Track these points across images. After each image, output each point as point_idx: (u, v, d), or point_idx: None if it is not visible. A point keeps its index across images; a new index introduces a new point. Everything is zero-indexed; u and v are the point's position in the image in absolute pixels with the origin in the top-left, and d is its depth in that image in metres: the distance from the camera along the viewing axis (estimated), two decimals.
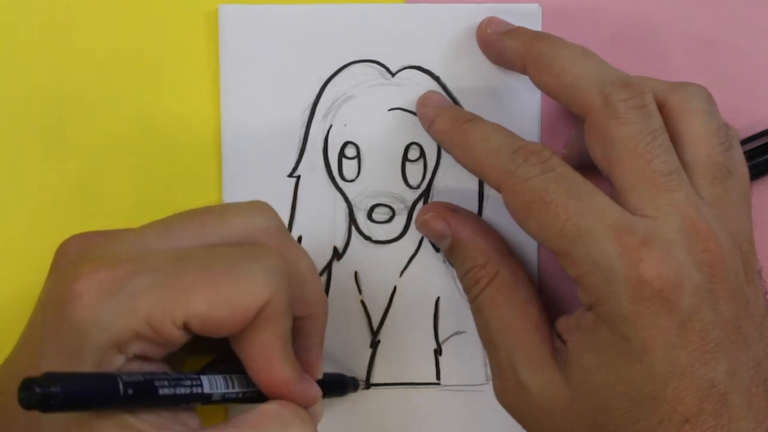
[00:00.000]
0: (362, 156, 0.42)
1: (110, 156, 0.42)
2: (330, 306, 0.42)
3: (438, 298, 0.43)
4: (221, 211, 0.34)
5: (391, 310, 0.42)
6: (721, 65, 0.42)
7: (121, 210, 0.42)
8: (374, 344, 0.42)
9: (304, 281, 0.35)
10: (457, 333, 0.43)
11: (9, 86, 0.42)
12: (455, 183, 0.42)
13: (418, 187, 0.42)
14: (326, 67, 0.42)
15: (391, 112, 0.42)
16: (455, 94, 0.42)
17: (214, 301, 0.31)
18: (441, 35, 0.42)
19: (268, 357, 0.33)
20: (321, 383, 0.37)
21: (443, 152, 0.42)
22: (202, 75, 0.42)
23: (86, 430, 0.30)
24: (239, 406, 0.35)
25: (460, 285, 0.42)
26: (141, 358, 0.32)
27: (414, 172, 0.42)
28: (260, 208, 0.35)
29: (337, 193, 0.42)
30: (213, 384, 0.33)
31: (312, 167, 0.42)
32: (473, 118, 0.39)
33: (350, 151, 0.42)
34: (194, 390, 0.32)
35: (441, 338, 0.43)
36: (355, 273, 0.42)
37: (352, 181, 0.42)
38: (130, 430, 0.30)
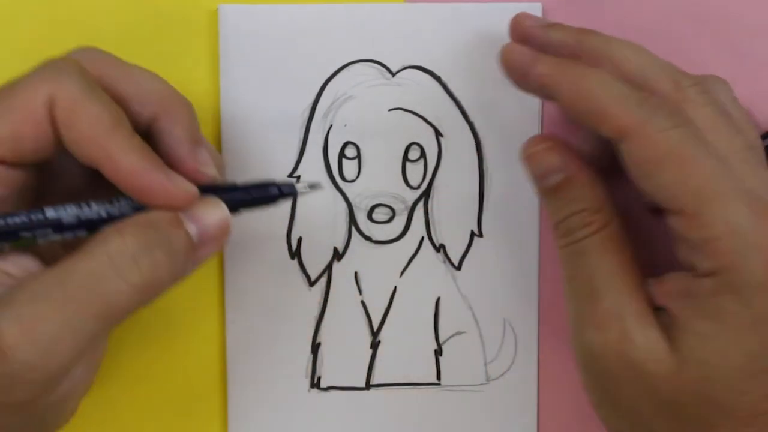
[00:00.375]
0: (362, 156, 0.42)
1: None
2: (330, 306, 0.42)
3: (438, 298, 0.42)
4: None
5: (392, 310, 0.42)
6: (722, 65, 0.42)
7: None
8: (374, 345, 0.42)
9: (137, 82, 0.35)
10: (457, 333, 0.43)
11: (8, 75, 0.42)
12: (456, 183, 0.42)
13: (419, 187, 0.42)
14: (326, 67, 0.42)
15: (391, 112, 0.42)
16: (456, 93, 0.42)
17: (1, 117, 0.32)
18: (442, 35, 0.42)
19: (102, 148, 0.33)
20: (229, 194, 0.35)
21: (444, 152, 0.42)
22: (202, 75, 0.42)
23: None
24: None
25: (460, 285, 0.42)
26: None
27: (414, 172, 0.42)
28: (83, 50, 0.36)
29: (337, 194, 0.42)
30: (61, 210, 0.33)
31: (312, 167, 0.42)
32: (578, 61, 0.37)
33: (350, 152, 0.42)
34: (34, 217, 0.32)
35: (441, 338, 0.43)
36: (355, 273, 0.42)
37: (352, 181, 0.42)
38: None
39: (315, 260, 0.42)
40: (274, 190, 0.36)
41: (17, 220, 0.32)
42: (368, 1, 0.42)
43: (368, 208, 0.42)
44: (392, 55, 0.42)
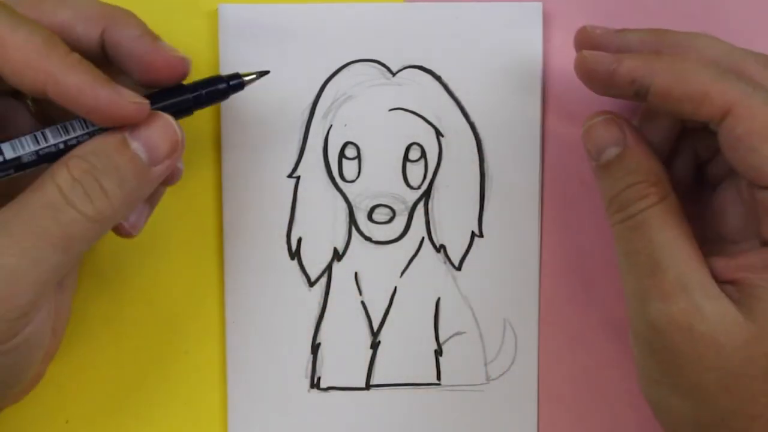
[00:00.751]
0: (362, 156, 0.42)
1: None
2: (330, 307, 0.42)
3: (438, 298, 0.42)
4: None
5: (392, 310, 0.42)
6: None
7: None
8: (375, 345, 0.42)
9: (63, 2, 0.35)
10: (457, 333, 0.43)
11: None
12: (457, 183, 0.42)
13: (419, 187, 0.42)
14: (326, 67, 0.42)
15: (391, 112, 0.42)
16: (456, 93, 0.42)
17: None
18: (442, 34, 0.42)
19: (40, 70, 0.32)
20: (179, 97, 0.35)
21: (444, 152, 0.42)
22: (202, 75, 0.42)
23: None
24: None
25: (460, 285, 0.42)
26: None
27: (415, 172, 0.42)
28: None
29: (337, 194, 0.42)
30: (18, 146, 0.33)
31: (312, 168, 0.42)
32: (660, 51, 0.37)
33: (350, 152, 0.42)
34: None
35: (441, 339, 0.42)
36: (356, 274, 0.42)
37: (352, 181, 0.42)
38: None
39: (315, 260, 0.42)
40: (222, 84, 0.36)
41: None
42: (368, 1, 0.41)
43: (368, 209, 0.42)
44: (392, 55, 0.42)
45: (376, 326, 0.42)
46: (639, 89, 0.36)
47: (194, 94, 0.36)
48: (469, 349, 0.43)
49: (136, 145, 0.34)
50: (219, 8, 0.41)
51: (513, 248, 0.42)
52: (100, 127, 0.34)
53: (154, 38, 0.35)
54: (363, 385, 0.42)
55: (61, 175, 0.33)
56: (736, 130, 0.34)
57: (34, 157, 0.34)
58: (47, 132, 0.34)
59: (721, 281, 0.35)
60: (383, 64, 0.42)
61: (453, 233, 0.42)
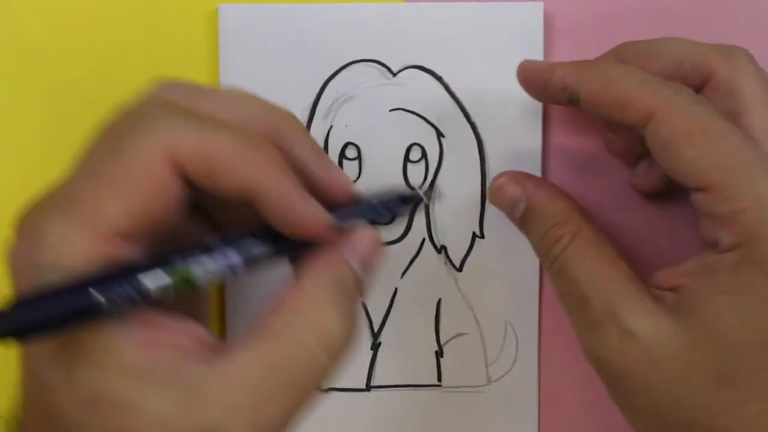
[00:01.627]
0: (363, 157, 0.42)
1: None
2: None
3: (439, 299, 0.42)
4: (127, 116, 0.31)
5: (392, 312, 0.42)
6: None
7: None
8: (375, 346, 0.42)
9: (220, 100, 0.31)
10: (458, 335, 0.42)
11: (8, 86, 0.42)
12: (458, 184, 0.42)
13: (420, 188, 0.42)
14: (326, 67, 0.41)
15: (392, 112, 0.42)
16: (457, 93, 0.42)
17: (116, 192, 0.28)
18: (443, 34, 0.41)
19: (249, 179, 0.29)
20: (359, 211, 0.32)
21: (445, 153, 0.42)
22: (202, 75, 0.42)
23: (64, 365, 0.28)
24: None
25: (461, 287, 0.42)
26: None
27: (416, 173, 0.42)
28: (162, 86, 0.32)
29: None
30: (220, 255, 0.29)
31: None
32: (593, 59, 0.38)
33: (351, 152, 0.42)
34: (195, 266, 0.28)
35: (442, 340, 0.42)
36: None
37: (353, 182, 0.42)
38: (119, 370, 0.28)
39: None
40: (407, 204, 0.34)
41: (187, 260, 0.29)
42: (368, 1, 0.41)
43: None
44: (393, 55, 0.41)
45: (376, 327, 0.42)
46: (571, 96, 0.37)
47: (388, 212, 0.33)
48: (470, 350, 0.42)
49: (353, 262, 0.32)
50: (219, 8, 0.41)
51: (514, 249, 0.42)
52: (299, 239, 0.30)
53: (322, 153, 0.33)
54: (363, 386, 0.42)
55: (315, 318, 0.30)
56: (659, 135, 0.34)
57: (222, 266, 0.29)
58: (230, 250, 0.29)
59: (665, 290, 0.35)
60: (384, 65, 0.41)
61: (454, 234, 0.42)
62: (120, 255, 0.28)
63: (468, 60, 0.41)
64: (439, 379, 0.42)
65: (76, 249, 0.28)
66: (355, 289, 0.32)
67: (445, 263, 0.42)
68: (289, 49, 0.41)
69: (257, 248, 0.29)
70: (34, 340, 0.27)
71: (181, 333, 0.29)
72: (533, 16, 0.41)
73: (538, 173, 0.42)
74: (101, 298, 0.27)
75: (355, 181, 0.42)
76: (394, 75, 0.42)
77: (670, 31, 0.41)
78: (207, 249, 0.29)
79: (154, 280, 0.27)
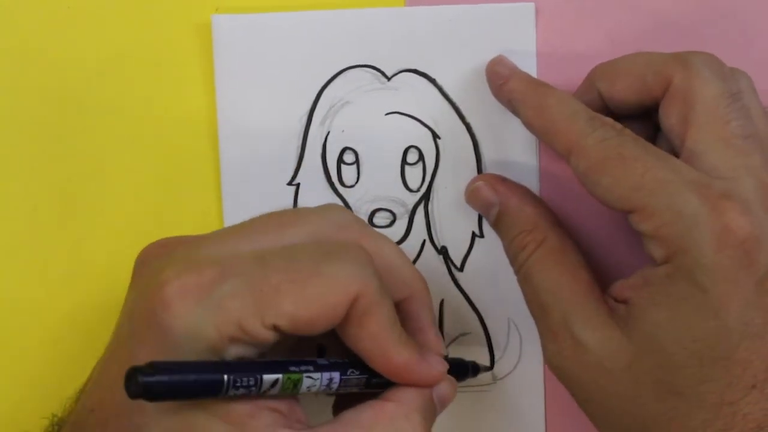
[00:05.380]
0: (361, 161, 0.42)
1: (109, 167, 0.42)
2: None
3: (442, 300, 0.42)
4: (296, 211, 0.35)
5: None
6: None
7: (119, 219, 0.42)
8: None
9: (393, 265, 0.34)
10: (462, 335, 0.43)
11: (6, 87, 0.42)
12: (455, 185, 0.42)
13: (418, 190, 0.42)
14: (322, 74, 0.42)
15: (388, 116, 0.42)
16: (452, 95, 0.42)
17: (302, 301, 0.31)
18: (435, 37, 0.42)
19: (380, 346, 0.32)
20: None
21: (441, 154, 0.42)
22: (197, 85, 0.42)
23: (180, 422, 0.30)
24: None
25: (463, 286, 0.42)
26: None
27: (413, 175, 0.42)
28: (333, 206, 0.36)
29: (338, 199, 0.42)
30: (326, 375, 0.33)
31: (311, 174, 0.42)
32: (547, 84, 0.39)
33: (349, 157, 0.42)
34: (306, 379, 0.32)
35: (446, 340, 0.42)
36: None
37: (351, 186, 0.42)
38: (225, 420, 0.30)
39: None
40: (473, 372, 0.40)
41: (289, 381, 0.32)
42: (368, 6, 0.42)
43: (369, 213, 0.42)
44: (387, 60, 0.42)
45: None
46: (514, 111, 0.39)
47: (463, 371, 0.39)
48: (475, 349, 0.43)
49: (436, 398, 0.35)
50: (212, 19, 0.41)
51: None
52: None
53: (435, 320, 0.37)
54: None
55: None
56: (579, 167, 0.36)
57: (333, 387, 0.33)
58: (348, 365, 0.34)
59: (619, 302, 0.36)
60: (378, 69, 0.42)
61: (454, 234, 0.42)
62: (263, 340, 0.31)
63: (461, 62, 0.42)
64: None
65: (246, 325, 0.30)
66: (433, 416, 0.35)
67: (447, 263, 0.42)
68: (284, 57, 0.42)
69: (354, 375, 0.33)
70: (160, 401, 0.29)
71: (282, 403, 0.32)
72: (525, 17, 0.42)
73: (533, 172, 0.42)
74: (229, 385, 0.30)
75: (354, 186, 0.42)
76: (389, 79, 0.42)
77: (664, 29, 0.42)
78: (320, 367, 0.32)
79: (270, 377, 0.31)
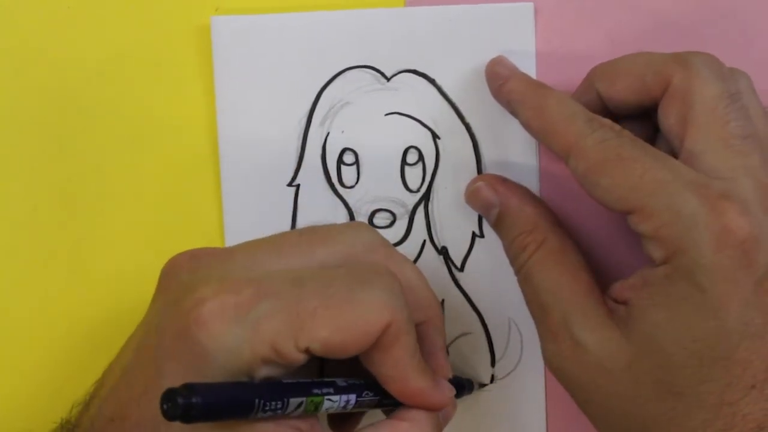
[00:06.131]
0: (361, 162, 0.42)
1: (109, 167, 0.42)
2: None
3: (442, 300, 0.43)
4: (326, 229, 0.34)
5: None
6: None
7: (119, 219, 0.42)
8: None
9: (414, 289, 0.35)
10: (463, 334, 0.43)
11: (6, 87, 0.42)
12: (455, 185, 0.42)
13: (418, 190, 0.42)
14: (321, 75, 0.42)
15: (387, 116, 0.42)
16: (451, 95, 0.42)
17: (337, 327, 0.31)
18: (434, 37, 0.42)
19: (400, 372, 0.33)
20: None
21: (441, 154, 0.42)
22: (197, 87, 0.42)
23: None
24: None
25: (464, 286, 0.42)
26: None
27: (413, 175, 0.42)
28: (361, 226, 0.36)
29: (338, 200, 0.42)
30: (344, 397, 0.33)
31: (311, 175, 0.42)
32: (547, 85, 0.39)
33: (348, 158, 0.42)
34: (326, 401, 0.33)
35: (447, 340, 0.43)
36: None
37: (351, 187, 0.42)
38: None
39: None
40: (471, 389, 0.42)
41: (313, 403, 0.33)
42: (368, 6, 0.42)
43: (369, 214, 0.42)
44: (386, 60, 0.42)
45: None
46: (513, 112, 0.39)
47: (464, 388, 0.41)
48: (475, 349, 0.43)
49: (442, 416, 0.35)
50: (211, 20, 0.41)
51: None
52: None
53: (445, 341, 0.37)
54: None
55: None
56: (577, 169, 0.36)
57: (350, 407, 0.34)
58: (364, 386, 0.34)
59: (618, 303, 0.36)
60: (377, 70, 0.42)
61: (454, 234, 0.42)
62: (294, 362, 0.31)
63: (460, 62, 0.42)
64: None
65: (280, 347, 0.30)
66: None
67: (447, 264, 0.42)
68: (283, 58, 0.42)
69: (368, 397, 0.34)
70: (194, 423, 0.29)
71: (303, 422, 0.32)
72: (524, 16, 0.42)
73: (533, 172, 0.42)
74: (259, 408, 0.30)
75: (353, 186, 0.42)
76: (389, 80, 0.42)
77: (664, 29, 0.42)
78: (339, 389, 0.33)
79: (296, 401, 0.31)
